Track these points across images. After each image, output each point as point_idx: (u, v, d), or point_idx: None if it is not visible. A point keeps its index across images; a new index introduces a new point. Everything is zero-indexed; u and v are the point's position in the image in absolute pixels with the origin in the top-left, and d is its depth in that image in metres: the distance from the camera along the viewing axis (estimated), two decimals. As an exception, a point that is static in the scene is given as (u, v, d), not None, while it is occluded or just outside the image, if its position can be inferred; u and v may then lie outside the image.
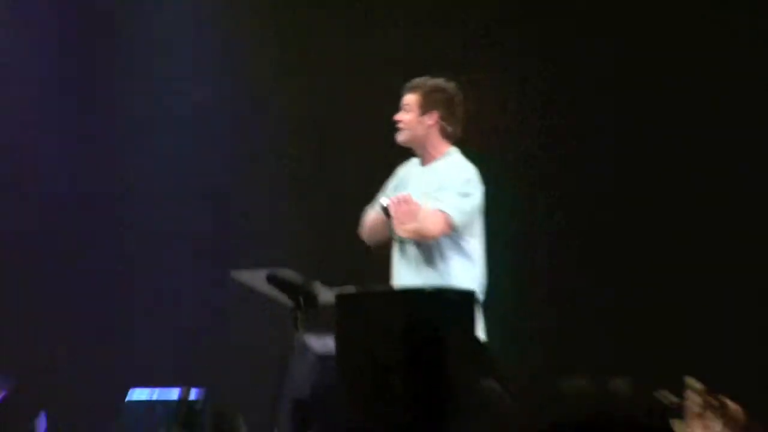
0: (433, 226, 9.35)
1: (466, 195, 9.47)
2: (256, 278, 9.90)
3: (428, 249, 9.66)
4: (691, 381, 6.65)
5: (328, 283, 9.61)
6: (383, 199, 9.65)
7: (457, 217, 9.28)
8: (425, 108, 9.63)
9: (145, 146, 14.39)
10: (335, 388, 8.83)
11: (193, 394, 10.84)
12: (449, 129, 9.71)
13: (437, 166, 9.68)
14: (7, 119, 14.14)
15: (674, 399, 6.28)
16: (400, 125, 9.73)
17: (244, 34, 14.38)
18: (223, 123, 14.71)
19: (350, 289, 9.06)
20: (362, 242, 10.15)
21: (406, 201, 9.27)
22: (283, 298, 9.80)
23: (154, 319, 13.38)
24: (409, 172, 9.90)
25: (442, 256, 9.66)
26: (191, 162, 14.34)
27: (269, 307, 10.34)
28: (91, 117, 14.58)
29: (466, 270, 9.64)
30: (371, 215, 9.81)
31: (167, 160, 14.49)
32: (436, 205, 9.33)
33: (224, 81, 14.37)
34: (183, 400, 10.66)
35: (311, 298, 9.61)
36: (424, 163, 9.70)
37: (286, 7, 14.47)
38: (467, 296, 9.11)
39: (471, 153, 10.19)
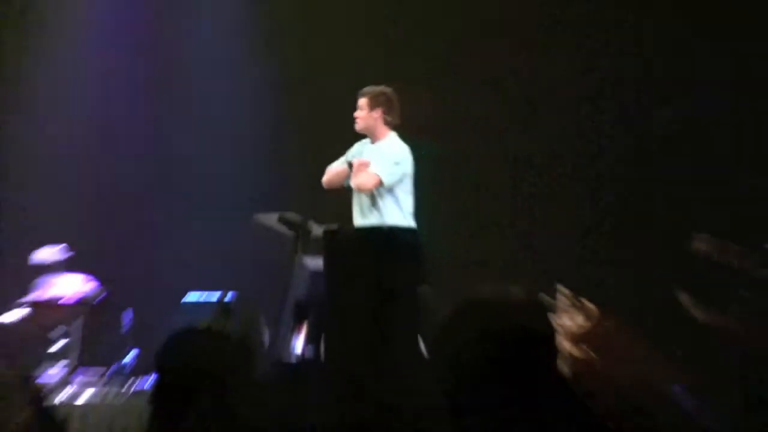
0: (366, 181, 9.46)
1: (396, 164, 9.52)
2: (270, 219, 10.04)
3: (374, 199, 9.70)
4: (560, 287, 6.45)
5: (319, 221, 9.87)
6: (353, 159, 9.76)
7: (385, 178, 9.35)
8: (372, 107, 9.75)
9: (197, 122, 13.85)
10: (323, 294, 9.36)
11: (229, 296, 10.84)
12: (389, 119, 9.80)
13: (381, 145, 9.74)
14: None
15: (550, 300, 6.18)
16: (357, 120, 9.87)
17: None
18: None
19: (333, 226, 9.50)
20: (342, 193, 9.98)
21: (365, 164, 9.32)
22: (288, 232, 9.99)
23: (206, 245, 12.92)
24: (362, 147, 9.94)
25: (384, 205, 9.71)
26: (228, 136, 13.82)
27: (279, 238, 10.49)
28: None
29: (399, 217, 9.71)
30: (334, 169, 9.87)
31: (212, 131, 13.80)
32: (374, 168, 9.47)
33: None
34: (221, 300, 10.62)
35: (307, 232, 9.81)
36: (372, 142, 9.77)
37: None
38: (411, 231, 9.43)
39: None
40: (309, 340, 9.82)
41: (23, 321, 11.57)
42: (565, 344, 5.98)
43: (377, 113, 9.74)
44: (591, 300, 6.65)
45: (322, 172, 10.16)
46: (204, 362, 3.58)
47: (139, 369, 11.26)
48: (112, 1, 14.29)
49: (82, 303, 11.53)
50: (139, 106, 13.92)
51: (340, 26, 13.59)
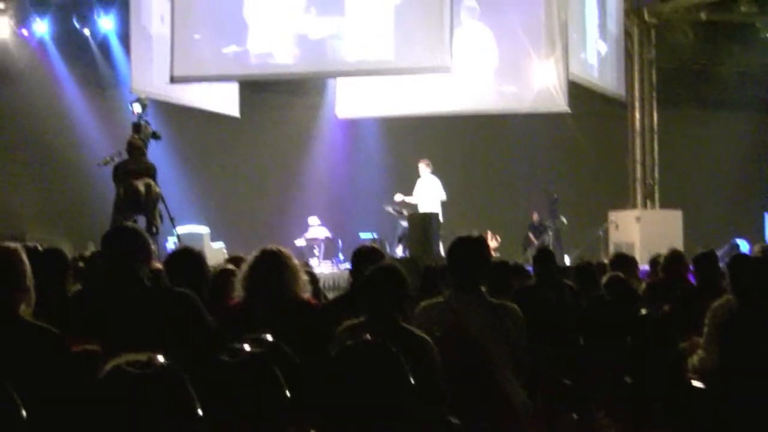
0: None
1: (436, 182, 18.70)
2: (388, 207, 19.03)
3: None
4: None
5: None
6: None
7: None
8: (425, 165, 18.95)
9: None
10: (406, 232, 18.31)
11: (377, 235, 21.18)
12: (430, 168, 18.91)
13: (427, 177, 18.99)
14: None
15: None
16: (421, 167, 18.99)
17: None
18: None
19: (408, 212, 18.49)
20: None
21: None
22: (394, 212, 19.15)
23: (365, 221, 20.84)
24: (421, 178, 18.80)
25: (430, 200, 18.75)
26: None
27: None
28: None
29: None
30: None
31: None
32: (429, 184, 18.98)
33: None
34: (376, 238, 20.91)
35: (402, 213, 18.79)
36: (421, 174, 18.99)
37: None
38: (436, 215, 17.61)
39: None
40: (403, 249, 18.45)
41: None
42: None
43: (425, 164, 18.90)
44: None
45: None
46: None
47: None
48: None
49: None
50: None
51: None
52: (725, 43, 23.04)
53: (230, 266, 7.47)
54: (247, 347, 5.07)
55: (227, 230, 19.76)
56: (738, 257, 8.32)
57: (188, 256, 6.63)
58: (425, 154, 19.56)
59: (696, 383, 8.01)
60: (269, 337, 5.43)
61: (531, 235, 22.32)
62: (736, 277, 7.77)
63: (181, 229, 16.59)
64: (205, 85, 19.64)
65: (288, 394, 4.94)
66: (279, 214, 22.33)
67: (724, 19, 22.21)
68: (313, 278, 7.98)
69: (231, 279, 6.67)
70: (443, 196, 18.32)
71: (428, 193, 18.56)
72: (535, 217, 22.60)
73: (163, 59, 18.21)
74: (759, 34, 21.68)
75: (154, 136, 15.59)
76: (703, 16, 21.68)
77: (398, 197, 18.89)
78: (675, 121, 23.04)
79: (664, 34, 21.96)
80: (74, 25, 21.37)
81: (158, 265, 6.54)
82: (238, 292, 6.40)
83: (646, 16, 21.27)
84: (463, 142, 23.27)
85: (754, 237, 17.32)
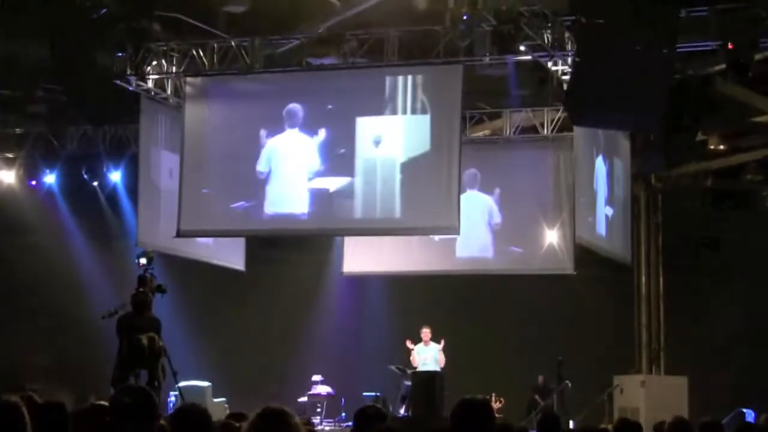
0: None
1: (439, 351, 18.19)
2: (391, 368, 18.98)
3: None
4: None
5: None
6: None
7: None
8: (425, 334, 18.37)
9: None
10: (409, 392, 17.97)
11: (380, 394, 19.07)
12: (429, 335, 18.31)
13: (432, 346, 18.22)
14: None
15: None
16: (423, 334, 18.32)
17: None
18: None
19: (412, 371, 18.06)
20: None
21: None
22: (397, 371, 18.95)
23: (368, 381, 20.72)
24: (420, 348, 18.23)
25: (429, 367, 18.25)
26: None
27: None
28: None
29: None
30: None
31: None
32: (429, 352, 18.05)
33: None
34: (379, 397, 18.57)
35: (405, 372, 18.40)
36: (425, 343, 18.46)
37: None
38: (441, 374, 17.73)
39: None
40: (406, 409, 18.27)
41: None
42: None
43: (426, 331, 18.38)
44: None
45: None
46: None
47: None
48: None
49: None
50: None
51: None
52: (731, 210, 23.03)
53: (233, 422, 7.37)
54: None
55: (230, 385, 19.86)
56: (744, 427, 8.29)
57: (194, 414, 6.56)
58: (430, 314, 19.76)
59: None
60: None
61: (536, 398, 22.12)
62: (741, 447, 7.76)
63: (183, 384, 16.36)
64: (211, 239, 19.86)
65: None
66: (282, 370, 22.33)
67: (730, 187, 22.35)
68: (315, 438, 7.90)
69: (233, 437, 6.58)
70: (442, 363, 18.19)
71: (427, 360, 18.44)
72: (540, 379, 22.42)
73: (170, 213, 18.46)
74: (765, 202, 21.75)
75: (159, 289, 15.52)
76: (709, 183, 21.87)
77: (410, 345, 18.60)
78: (681, 286, 23.02)
79: (671, 199, 22.03)
80: (83, 177, 21.85)
81: (162, 422, 6.47)
82: (239, 451, 6.34)
83: (653, 182, 21.45)
84: (468, 302, 23.26)
85: (760, 406, 17.13)
